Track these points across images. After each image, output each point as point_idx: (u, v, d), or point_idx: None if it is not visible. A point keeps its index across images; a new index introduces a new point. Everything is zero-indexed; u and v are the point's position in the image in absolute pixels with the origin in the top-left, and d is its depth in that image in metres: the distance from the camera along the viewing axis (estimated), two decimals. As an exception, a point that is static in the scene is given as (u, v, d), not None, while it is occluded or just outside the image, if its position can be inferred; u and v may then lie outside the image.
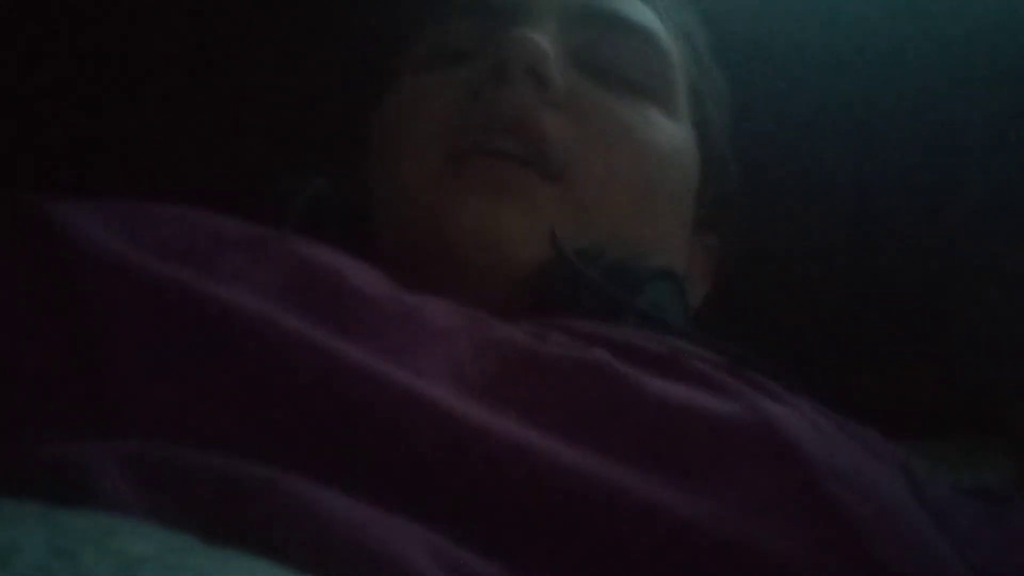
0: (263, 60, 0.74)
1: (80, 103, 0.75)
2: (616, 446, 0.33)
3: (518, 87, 0.49)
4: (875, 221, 0.69)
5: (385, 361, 0.34)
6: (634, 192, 0.52)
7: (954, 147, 0.69)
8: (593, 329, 0.41)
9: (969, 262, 0.68)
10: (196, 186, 0.42)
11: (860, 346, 0.69)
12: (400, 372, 0.33)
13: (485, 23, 0.53)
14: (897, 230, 0.69)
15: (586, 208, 0.50)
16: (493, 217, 0.48)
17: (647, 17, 0.56)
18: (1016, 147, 0.68)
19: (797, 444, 0.33)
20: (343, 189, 0.53)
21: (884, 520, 0.32)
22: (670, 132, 0.54)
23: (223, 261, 0.37)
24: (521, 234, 0.48)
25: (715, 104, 0.60)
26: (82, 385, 0.32)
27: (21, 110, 0.74)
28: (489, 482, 0.31)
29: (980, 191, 0.68)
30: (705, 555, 0.30)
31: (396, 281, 0.43)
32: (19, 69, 0.74)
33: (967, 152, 0.68)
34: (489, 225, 0.48)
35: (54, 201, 0.38)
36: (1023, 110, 0.68)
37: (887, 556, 0.31)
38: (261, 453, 0.30)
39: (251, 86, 0.75)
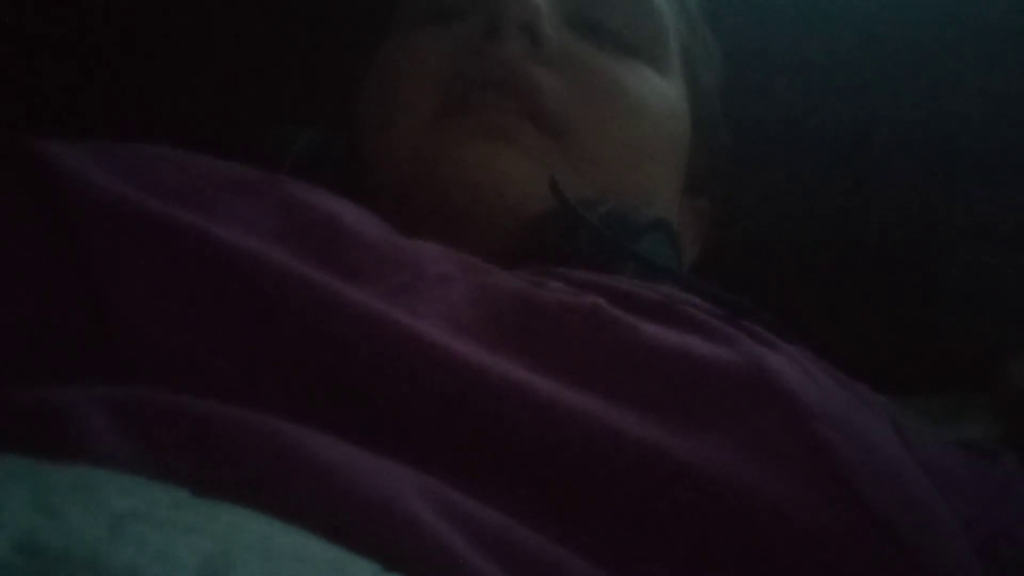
0: (256, 15, 0.73)
1: (72, 52, 0.74)
2: (611, 389, 0.33)
3: (511, 44, 0.49)
4: (868, 180, 0.69)
5: (383, 303, 0.33)
6: (627, 149, 0.51)
7: (949, 106, 0.69)
8: (589, 278, 0.41)
9: (961, 222, 0.68)
10: (188, 138, 0.41)
11: (849, 303, 0.69)
12: (398, 314, 0.33)
13: None
14: (890, 189, 0.69)
15: (581, 162, 0.50)
16: (491, 162, 0.48)
17: None
18: (1010, 106, 0.68)
19: (790, 389, 0.34)
20: (336, 141, 0.52)
21: (874, 464, 0.32)
22: (662, 91, 0.54)
23: (220, 202, 0.37)
24: (519, 180, 0.48)
25: (706, 67, 0.60)
26: (80, 327, 0.32)
27: (13, 59, 0.73)
28: (486, 423, 0.31)
29: (975, 151, 0.68)
30: (700, 496, 0.30)
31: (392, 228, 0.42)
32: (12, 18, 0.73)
33: (962, 111, 0.68)
34: (487, 170, 0.47)
35: (49, 141, 0.37)
36: (1016, 66, 0.68)
37: (876, 499, 0.31)
38: (258, 395, 0.30)
39: (244, 42, 0.74)
